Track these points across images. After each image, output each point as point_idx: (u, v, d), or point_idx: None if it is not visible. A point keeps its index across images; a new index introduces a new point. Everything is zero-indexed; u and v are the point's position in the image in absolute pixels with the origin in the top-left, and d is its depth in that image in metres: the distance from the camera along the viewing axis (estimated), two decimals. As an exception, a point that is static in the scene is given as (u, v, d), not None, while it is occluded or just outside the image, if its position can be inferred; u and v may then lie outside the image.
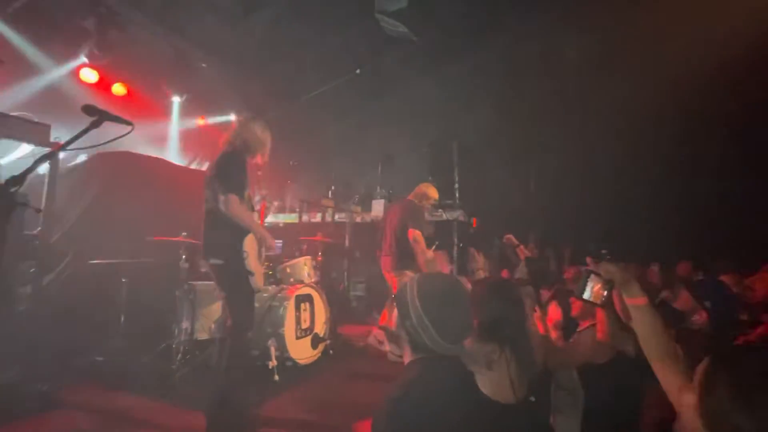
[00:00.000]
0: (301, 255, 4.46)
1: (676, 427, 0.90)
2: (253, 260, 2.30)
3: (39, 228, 3.22)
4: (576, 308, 2.11)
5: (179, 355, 3.17)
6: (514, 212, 4.10)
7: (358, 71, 5.93)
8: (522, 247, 3.67)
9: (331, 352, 3.95)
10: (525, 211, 5.07)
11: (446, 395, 1.13)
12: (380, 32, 4.63)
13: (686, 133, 4.72)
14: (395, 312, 1.26)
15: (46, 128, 3.10)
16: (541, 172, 5.83)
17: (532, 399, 1.52)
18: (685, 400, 0.84)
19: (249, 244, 2.30)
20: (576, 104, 4.92)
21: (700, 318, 1.56)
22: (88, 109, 1.77)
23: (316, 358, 3.65)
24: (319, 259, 4.31)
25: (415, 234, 3.65)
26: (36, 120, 3.09)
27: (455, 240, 5.99)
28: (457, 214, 6.04)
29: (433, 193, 4.06)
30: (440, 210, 6.09)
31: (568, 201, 5.39)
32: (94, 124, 1.74)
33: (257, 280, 2.32)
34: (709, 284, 1.65)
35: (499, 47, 4.52)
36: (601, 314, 1.80)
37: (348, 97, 5.82)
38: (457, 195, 6.36)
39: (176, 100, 5.91)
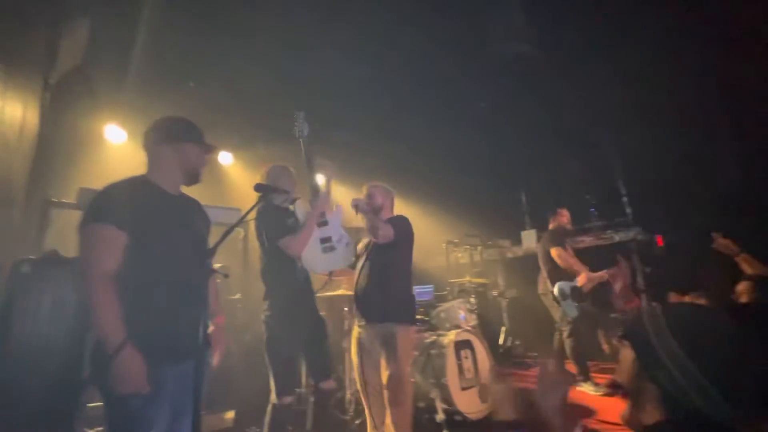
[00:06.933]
0: (453, 298, 4.29)
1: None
2: None
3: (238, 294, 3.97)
4: None
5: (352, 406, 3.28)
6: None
7: (483, 105, 5.85)
8: (745, 256, 2.77)
9: (502, 405, 3.52)
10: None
11: None
12: (497, 59, 4.54)
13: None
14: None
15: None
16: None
17: None
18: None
19: None
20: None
21: None
22: (260, 188, 2.11)
23: (487, 413, 3.29)
24: (473, 301, 4.06)
25: (556, 251, 3.91)
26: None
27: (636, 264, 4.91)
28: (633, 233, 5.01)
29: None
30: (609, 231, 5.16)
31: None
32: (262, 200, 2.05)
33: None
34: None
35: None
36: None
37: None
38: (628, 210, 5.33)
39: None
